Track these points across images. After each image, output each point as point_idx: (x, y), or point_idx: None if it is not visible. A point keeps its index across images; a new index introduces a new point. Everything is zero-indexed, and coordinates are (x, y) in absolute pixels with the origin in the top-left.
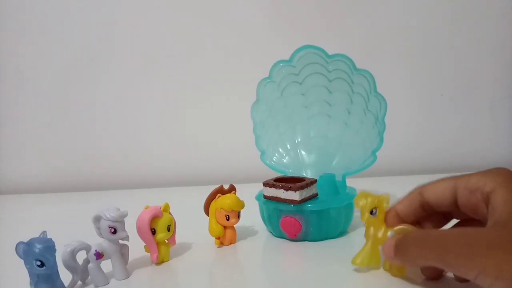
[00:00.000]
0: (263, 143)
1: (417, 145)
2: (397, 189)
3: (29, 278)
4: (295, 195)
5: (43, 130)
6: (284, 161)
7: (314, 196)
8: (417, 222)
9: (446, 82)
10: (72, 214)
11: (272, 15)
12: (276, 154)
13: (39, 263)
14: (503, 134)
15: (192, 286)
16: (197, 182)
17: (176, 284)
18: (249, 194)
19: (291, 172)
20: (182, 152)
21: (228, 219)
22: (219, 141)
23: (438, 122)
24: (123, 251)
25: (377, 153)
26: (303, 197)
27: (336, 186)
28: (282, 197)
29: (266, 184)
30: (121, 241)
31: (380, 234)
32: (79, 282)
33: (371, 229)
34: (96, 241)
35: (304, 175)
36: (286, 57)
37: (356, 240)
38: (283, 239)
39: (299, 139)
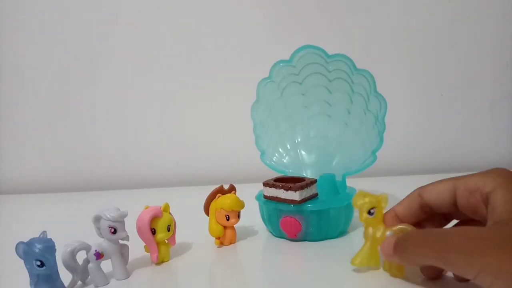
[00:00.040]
0: (263, 143)
1: (417, 145)
2: (397, 189)
3: (29, 278)
4: (295, 195)
5: (43, 130)
6: (284, 161)
7: (314, 196)
8: (417, 223)
9: (446, 82)
10: (72, 214)
11: (272, 15)
12: (276, 154)
13: (39, 263)
14: (503, 134)
15: (192, 286)
16: (197, 182)
17: (176, 284)
18: (249, 194)
19: (291, 172)
20: (182, 152)
21: (228, 219)
22: (219, 141)
23: (438, 122)
24: (123, 251)
25: (377, 153)
26: (303, 197)
27: (336, 186)
28: (282, 197)
29: (266, 184)
30: (121, 241)
31: (379, 234)
32: (79, 282)
33: (370, 229)
34: (96, 241)
35: (304, 175)
36: (286, 57)
37: (356, 240)
38: (283, 239)
39: (299, 139)
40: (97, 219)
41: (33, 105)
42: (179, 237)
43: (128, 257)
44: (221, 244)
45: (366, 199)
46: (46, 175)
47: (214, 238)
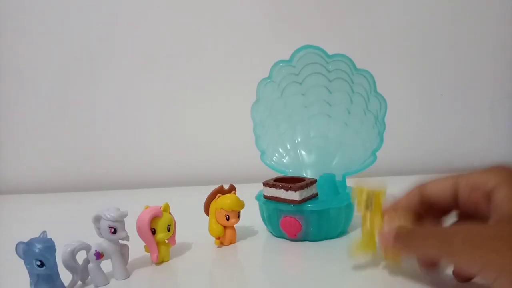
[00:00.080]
0: (263, 143)
1: (417, 145)
2: (397, 189)
3: (29, 278)
4: (295, 195)
5: (43, 130)
6: (284, 161)
7: (314, 196)
8: (416, 219)
9: (446, 82)
10: (72, 214)
11: (272, 15)
12: (276, 154)
13: (39, 263)
14: (503, 134)
15: (192, 286)
16: (197, 182)
17: (176, 284)
18: (249, 194)
19: (291, 172)
20: (182, 152)
21: (228, 219)
22: (219, 141)
23: (438, 122)
24: (123, 251)
25: (377, 153)
26: (303, 197)
27: (336, 186)
28: (282, 197)
29: (266, 184)
30: (121, 241)
31: (377, 223)
32: (79, 282)
33: (368, 222)
34: (96, 241)
35: (304, 175)
36: (286, 57)
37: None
38: (283, 239)
39: (299, 139)
40: (97, 219)
41: (33, 105)
42: (179, 237)
43: (128, 257)
44: (221, 244)
45: (363, 195)
46: (46, 175)
47: (214, 238)
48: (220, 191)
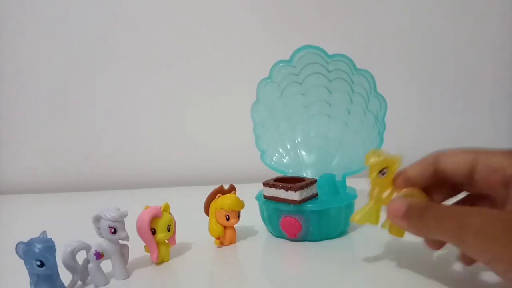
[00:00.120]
0: (263, 143)
1: (417, 145)
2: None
3: (29, 278)
4: (295, 195)
5: (43, 130)
6: (284, 161)
7: (314, 196)
8: (426, 189)
9: (446, 82)
10: (72, 214)
11: (272, 15)
12: (276, 154)
13: (39, 263)
14: (503, 134)
15: (192, 286)
16: (197, 182)
17: (176, 284)
18: (249, 194)
19: (291, 172)
20: (182, 152)
21: (228, 219)
22: (219, 141)
23: (438, 122)
24: (123, 251)
25: None
26: (303, 197)
27: (336, 186)
28: (282, 197)
29: (266, 184)
30: (121, 241)
31: (385, 195)
32: (79, 282)
33: (376, 189)
34: (96, 241)
35: (304, 175)
36: (286, 57)
37: (356, 240)
38: (283, 239)
39: (299, 139)
40: (97, 219)
41: (33, 105)
42: (179, 237)
43: (128, 257)
44: (221, 244)
45: (380, 158)
46: (46, 175)
47: (214, 238)
48: (220, 191)
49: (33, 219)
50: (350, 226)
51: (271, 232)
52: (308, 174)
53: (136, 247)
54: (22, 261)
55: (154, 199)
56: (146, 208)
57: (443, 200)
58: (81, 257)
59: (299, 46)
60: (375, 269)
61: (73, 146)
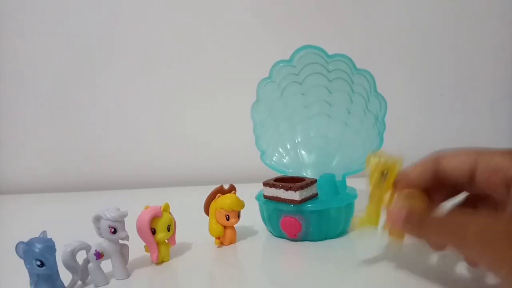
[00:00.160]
0: (263, 143)
1: (417, 145)
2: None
3: (29, 278)
4: (295, 195)
5: (43, 130)
6: (284, 161)
7: (314, 196)
8: (426, 189)
9: (446, 82)
10: (72, 214)
11: (272, 15)
12: (276, 154)
13: (39, 263)
14: (503, 134)
15: (192, 286)
16: (197, 182)
17: (176, 284)
18: (249, 194)
19: (291, 172)
20: (182, 152)
21: (228, 219)
22: (219, 141)
23: (438, 122)
24: (123, 251)
25: None
26: (303, 197)
27: (336, 186)
28: (282, 197)
29: (266, 184)
30: (121, 241)
31: (386, 197)
32: (79, 282)
33: (377, 191)
34: (96, 241)
35: (304, 175)
36: (286, 57)
37: (356, 240)
38: (283, 239)
39: (299, 139)
40: (97, 219)
41: (33, 105)
42: (179, 237)
43: (128, 257)
44: (221, 244)
45: (382, 160)
46: (46, 175)
47: (214, 238)
48: (220, 191)
49: (33, 219)
50: (350, 226)
51: (271, 232)
52: (308, 174)
53: (136, 247)
54: (22, 261)
55: (154, 199)
56: (146, 208)
57: (443, 201)
58: (81, 257)
59: (299, 46)
60: (375, 269)
61: (73, 146)
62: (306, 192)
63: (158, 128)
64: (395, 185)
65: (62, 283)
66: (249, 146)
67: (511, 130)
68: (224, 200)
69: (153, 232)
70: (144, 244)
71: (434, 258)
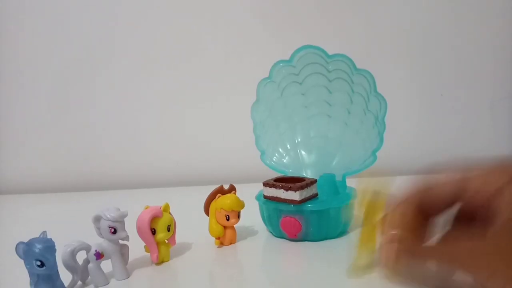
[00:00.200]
0: (263, 143)
1: (417, 145)
2: (397, 189)
3: (29, 278)
4: (295, 195)
5: (43, 130)
6: (284, 161)
7: (314, 196)
8: (416, 223)
9: (446, 82)
10: (72, 214)
11: (272, 15)
12: (276, 154)
13: (39, 263)
14: (503, 134)
15: (192, 286)
16: (197, 182)
17: (176, 284)
18: (249, 194)
19: (291, 172)
20: (182, 152)
21: (228, 219)
22: (219, 141)
23: (438, 122)
24: (123, 251)
25: (377, 153)
26: (303, 197)
27: (336, 186)
28: (282, 197)
29: (266, 184)
30: (121, 241)
31: (376, 237)
32: (79, 282)
33: (368, 231)
34: (96, 241)
35: (304, 175)
36: (286, 57)
37: (356, 240)
38: (283, 239)
39: (299, 139)
40: (97, 219)
41: (33, 105)
42: (179, 237)
43: (128, 257)
44: (221, 244)
45: (365, 208)
46: (46, 175)
47: (214, 238)
48: (220, 191)
49: (33, 219)
50: (350, 226)
51: (271, 232)
52: (308, 174)
53: (136, 247)
54: (22, 261)
55: (154, 199)
56: (146, 208)
57: (438, 214)
58: (81, 257)
59: (299, 46)
60: (375, 269)
61: (73, 146)
62: (306, 192)
63: (158, 128)
64: (383, 229)
65: (62, 283)
66: (249, 146)
67: (511, 130)
68: (224, 200)
69: (153, 232)
70: (144, 244)
71: None
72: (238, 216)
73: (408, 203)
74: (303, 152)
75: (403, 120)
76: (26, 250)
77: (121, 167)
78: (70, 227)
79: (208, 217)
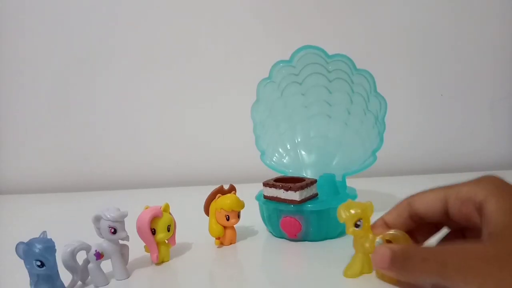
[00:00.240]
0: (263, 143)
1: (417, 145)
2: (397, 189)
3: (29, 278)
4: (295, 195)
5: (43, 130)
6: (284, 161)
7: (314, 196)
8: (407, 232)
9: (446, 82)
10: (72, 214)
11: (272, 15)
12: (276, 154)
13: (39, 263)
14: (503, 134)
15: (192, 286)
16: (197, 182)
17: (176, 284)
18: (249, 194)
19: (291, 172)
20: (182, 152)
21: (228, 219)
22: (219, 141)
23: (438, 122)
24: (123, 251)
25: (377, 153)
26: (303, 197)
27: (336, 186)
28: (282, 197)
29: (266, 184)
30: (121, 241)
31: (368, 244)
32: (79, 282)
33: (359, 240)
34: (96, 241)
35: (304, 175)
36: (286, 57)
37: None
38: (283, 239)
39: (299, 139)
40: (97, 219)
41: (33, 105)
42: (179, 237)
43: (128, 257)
44: (221, 244)
45: (352, 211)
46: (46, 175)
47: (214, 238)
48: (220, 191)
49: (33, 219)
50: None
51: (271, 232)
52: (308, 174)
53: (136, 247)
54: (22, 261)
55: (154, 199)
56: (146, 208)
57: (426, 239)
58: (81, 257)
59: (299, 46)
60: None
61: (73, 146)
62: (306, 192)
63: (158, 128)
64: (374, 231)
65: (62, 283)
66: (249, 146)
67: (511, 130)
68: (224, 200)
69: (153, 232)
70: (144, 244)
71: None
72: (238, 216)
73: (398, 211)
74: (303, 152)
75: (403, 120)
76: (26, 250)
77: (121, 167)
78: (70, 227)
79: (208, 217)
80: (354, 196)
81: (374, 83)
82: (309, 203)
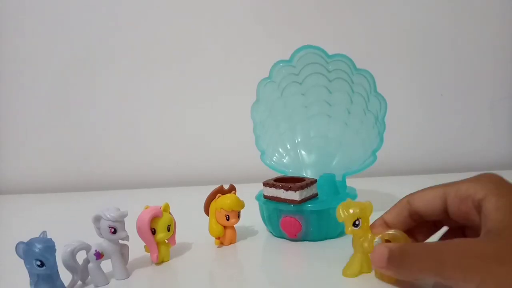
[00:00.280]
0: (263, 143)
1: (417, 145)
2: (397, 189)
3: (29, 278)
4: (295, 195)
5: (43, 130)
6: (284, 161)
7: (314, 196)
8: (407, 231)
9: (446, 82)
10: (72, 214)
11: (272, 15)
12: (276, 154)
13: (39, 263)
14: (503, 134)
15: (192, 286)
16: (197, 182)
17: (176, 284)
18: (249, 194)
19: (291, 172)
20: (182, 152)
21: (228, 219)
22: (219, 141)
23: (438, 122)
24: (123, 251)
25: (377, 153)
26: (303, 197)
27: (336, 186)
28: (282, 197)
29: (266, 184)
30: (121, 241)
31: (366, 243)
32: (79, 282)
33: (358, 240)
34: (96, 241)
35: (304, 175)
36: (286, 57)
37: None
38: (283, 239)
39: (299, 139)
40: (97, 219)
41: (33, 105)
42: (179, 237)
43: (128, 257)
44: (221, 244)
45: (350, 211)
46: (46, 175)
47: (214, 238)
48: (220, 191)
49: (33, 219)
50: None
51: (271, 232)
52: (308, 174)
53: (136, 247)
54: (22, 261)
55: (154, 199)
56: (146, 208)
57: (426, 238)
58: (81, 257)
59: (299, 46)
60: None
61: (73, 146)
62: (306, 192)
63: (158, 128)
64: (373, 230)
65: (62, 283)
66: (249, 146)
67: (511, 130)
68: (224, 200)
69: (153, 232)
70: (144, 244)
71: None
72: (238, 216)
73: (398, 210)
74: (303, 152)
75: (403, 120)
76: (26, 250)
77: (121, 167)
78: (70, 227)
79: (208, 217)
80: (354, 196)
81: (374, 83)
82: (309, 203)
